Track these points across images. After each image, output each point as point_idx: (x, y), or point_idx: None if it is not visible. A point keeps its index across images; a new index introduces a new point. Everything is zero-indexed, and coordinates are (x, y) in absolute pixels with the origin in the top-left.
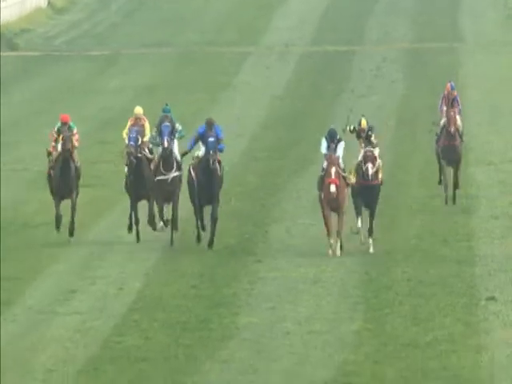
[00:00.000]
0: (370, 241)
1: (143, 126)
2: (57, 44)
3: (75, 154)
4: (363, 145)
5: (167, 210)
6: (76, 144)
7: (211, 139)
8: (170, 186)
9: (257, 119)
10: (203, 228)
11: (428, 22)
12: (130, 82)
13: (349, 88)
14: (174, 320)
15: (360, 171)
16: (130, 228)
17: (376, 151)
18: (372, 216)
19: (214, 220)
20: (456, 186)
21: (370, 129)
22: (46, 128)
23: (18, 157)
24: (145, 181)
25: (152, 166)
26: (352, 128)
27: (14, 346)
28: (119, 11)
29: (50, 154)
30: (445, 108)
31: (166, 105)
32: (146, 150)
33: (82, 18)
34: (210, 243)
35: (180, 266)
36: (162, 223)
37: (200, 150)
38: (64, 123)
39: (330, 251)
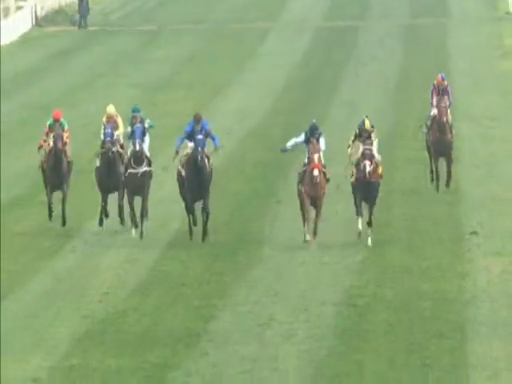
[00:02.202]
0: (369, 232)
1: (115, 121)
2: (111, 20)
3: (67, 150)
4: (362, 142)
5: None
6: (67, 141)
7: (199, 136)
8: (139, 180)
9: (278, 83)
10: (195, 223)
11: (421, 1)
12: (172, 53)
13: (354, 57)
14: (208, 252)
15: (359, 167)
16: (101, 221)
17: (375, 148)
18: (371, 210)
19: (206, 214)
20: (449, 175)
21: (373, 130)
22: (103, 90)
23: (84, 114)
24: (116, 174)
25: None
26: (354, 136)
27: (74, 272)
28: None
29: (40, 147)
30: (435, 98)
31: (135, 105)
32: (118, 146)
33: None
34: (204, 237)
35: (214, 205)
36: (130, 223)
37: (188, 148)
38: (56, 120)
39: (306, 236)
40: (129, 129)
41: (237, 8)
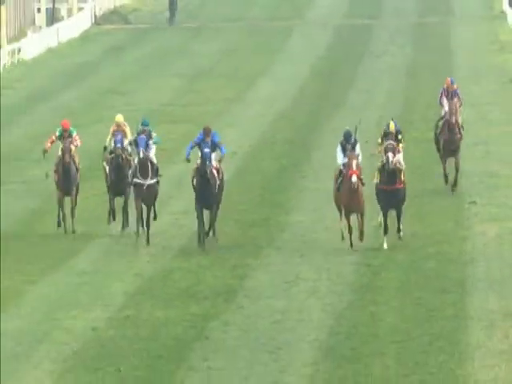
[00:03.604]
0: (401, 235)
1: (124, 131)
2: (159, 19)
3: (76, 157)
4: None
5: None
6: (79, 144)
7: (206, 150)
8: (145, 193)
9: (303, 73)
10: (204, 231)
11: (428, 2)
12: (212, 47)
13: (369, 51)
14: (244, 219)
15: (383, 173)
16: (109, 222)
17: (401, 155)
18: (399, 217)
19: (211, 222)
20: (457, 170)
21: (398, 131)
22: (151, 79)
23: (133, 101)
24: (124, 179)
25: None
26: (381, 139)
27: (126, 237)
28: None
29: (45, 151)
30: (445, 100)
31: (144, 118)
32: (127, 153)
33: None
34: (208, 233)
35: (249, 179)
36: (135, 229)
37: (198, 159)
38: (65, 129)
39: (344, 235)
40: (133, 138)
41: (268, 8)
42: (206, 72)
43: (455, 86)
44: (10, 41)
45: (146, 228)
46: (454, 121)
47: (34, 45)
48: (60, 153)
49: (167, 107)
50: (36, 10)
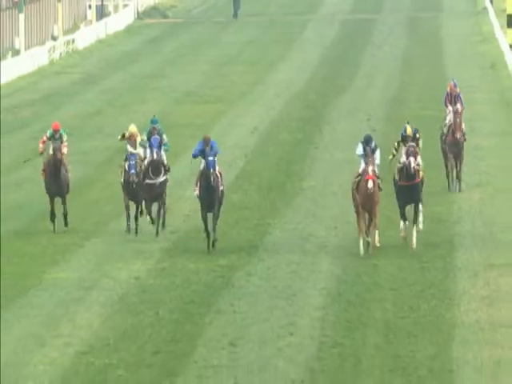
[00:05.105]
0: (414, 232)
1: (135, 140)
2: (193, 14)
3: (65, 160)
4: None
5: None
6: (65, 151)
7: (210, 158)
8: (158, 189)
9: (314, 60)
10: (208, 233)
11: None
12: (238, 38)
13: (371, 41)
14: (263, 185)
15: (402, 172)
16: (128, 220)
17: (419, 158)
18: (417, 209)
19: (213, 225)
20: (459, 173)
21: (416, 132)
22: (186, 65)
23: (170, 84)
24: (135, 190)
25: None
26: (397, 143)
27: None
28: None
29: (41, 153)
30: (450, 105)
31: (154, 116)
32: (139, 167)
33: None
34: (212, 240)
35: (268, 150)
36: (148, 218)
37: (202, 164)
38: (55, 131)
39: (362, 249)
40: (144, 137)
41: (285, 4)
42: (232, 59)
43: (457, 90)
44: (65, 33)
45: (160, 222)
46: (459, 136)
47: (86, 36)
48: (51, 152)
49: (199, 89)
50: (87, 7)
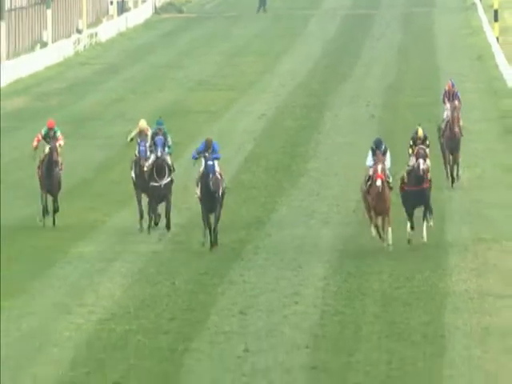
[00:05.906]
0: (424, 228)
1: (146, 135)
2: (206, 9)
3: (59, 158)
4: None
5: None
6: (62, 143)
7: (210, 162)
8: (162, 191)
9: (317, 52)
10: (210, 231)
11: None
12: (246, 31)
13: (370, 35)
14: (270, 166)
15: (411, 175)
16: (141, 217)
17: (427, 160)
18: (425, 214)
19: (215, 224)
20: (457, 164)
21: (426, 136)
22: (199, 56)
23: (185, 73)
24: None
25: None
26: (410, 146)
27: (174, 187)
28: None
29: (35, 148)
30: (448, 103)
31: (160, 118)
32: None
33: None
34: (213, 244)
35: (275, 134)
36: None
37: (201, 166)
38: (50, 128)
39: (373, 231)
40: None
41: (289, 0)
42: (241, 50)
43: (455, 89)
44: (88, 27)
45: (166, 220)
46: (456, 130)
47: (108, 30)
48: (47, 151)
49: (212, 78)
50: (109, 3)
